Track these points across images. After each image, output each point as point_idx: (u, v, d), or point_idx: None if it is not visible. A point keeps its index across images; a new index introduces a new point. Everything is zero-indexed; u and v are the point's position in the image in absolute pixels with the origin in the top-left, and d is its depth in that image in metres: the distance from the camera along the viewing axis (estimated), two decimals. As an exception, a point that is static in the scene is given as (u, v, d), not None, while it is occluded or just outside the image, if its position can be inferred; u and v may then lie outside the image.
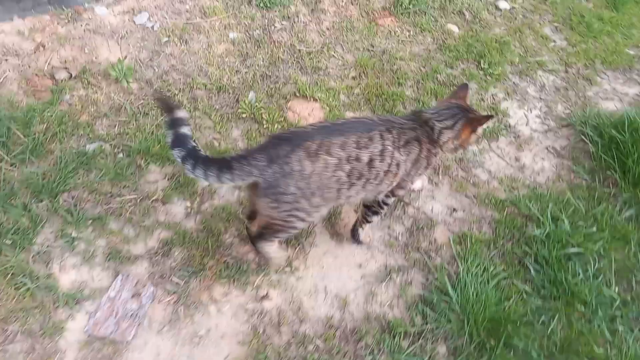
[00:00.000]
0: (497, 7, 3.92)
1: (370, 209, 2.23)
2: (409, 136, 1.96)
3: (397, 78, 3.22)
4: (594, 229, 2.41)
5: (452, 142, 2.02)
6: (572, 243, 2.37)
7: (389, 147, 1.90)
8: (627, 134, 2.80)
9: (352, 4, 3.67)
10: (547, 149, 2.98)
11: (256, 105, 2.88)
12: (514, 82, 3.38)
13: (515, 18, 3.86)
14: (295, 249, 2.36)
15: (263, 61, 3.16)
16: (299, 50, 3.26)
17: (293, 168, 1.77)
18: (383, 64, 3.30)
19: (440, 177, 2.77)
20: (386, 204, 2.20)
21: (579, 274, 2.27)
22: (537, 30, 3.81)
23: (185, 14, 3.27)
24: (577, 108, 3.26)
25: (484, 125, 2.07)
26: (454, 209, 2.61)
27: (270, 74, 3.10)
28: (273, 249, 2.15)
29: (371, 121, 1.99)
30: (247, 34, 3.28)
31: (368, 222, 2.30)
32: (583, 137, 2.99)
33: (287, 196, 1.81)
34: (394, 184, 2.03)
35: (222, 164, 1.78)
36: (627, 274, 2.35)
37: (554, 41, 3.78)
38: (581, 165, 2.85)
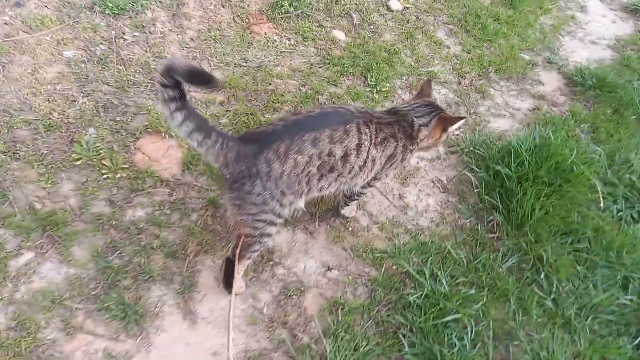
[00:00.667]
0: (388, 8, 3.57)
1: (348, 197, 2.28)
2: (386, 132, 1.91)
3: (273, 101, 2.82)
4: (473, 290, 2.22)
5: (427, 139, 2.02)
6: (450, 307, 2.16)
7: (365, 142, 1.85)
8: (512, 169, 2.61)
9: (223, 7, 3.17)
10: (433, 182, 2.75)
11: (96, 147, 2.39)
12: (403, 99, 3.09)
13: (408, 20, 3.54)
14: (137, 338, 1.97)
15: (108, 86, 2.63)
16: (155, 69, 2.75)
17: (260, 170, 1.70)
18: (257, 84, 2.88)
19: (317, 223, 2.46)
20: (362, 194, 2.27)
21: (455, 345, 2.08)
22: (431, 34, 3.52)
23: (3, 29, 2.63)
24: (467, 128, 3.04)
25: (456, 125, 2.06)
26: (329, 267, 2.33)
27: (116, 102, 2.59)
28: (240, 276, 2.05)
29: (349, 112, 1.87)
30: (88, 51, 2.71)
31: (347, 205, 2.36)
32: (469, 171, 2.77)
33: (253, 196, 1.73)
34: (369, 178, 2.03)
35: (203, 125, 1.68)
36: (505, 337, 2.19)
37: (448, 47, 3.52)
38: (466, 204, 2.65)
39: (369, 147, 1.87)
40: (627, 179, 2.80)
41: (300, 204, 1.91)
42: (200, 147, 1.72)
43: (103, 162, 2.35)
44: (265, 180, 1.72)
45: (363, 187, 2.16)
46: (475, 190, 2.67)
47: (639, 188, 2.76)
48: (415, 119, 1.98)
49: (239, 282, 2.09)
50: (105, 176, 2.32)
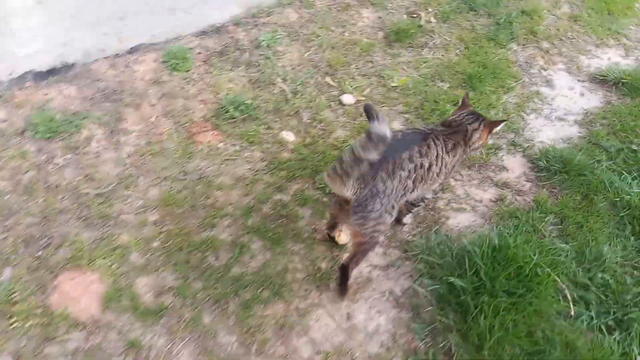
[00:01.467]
0: (341, 103, 3.48)
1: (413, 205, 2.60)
2: (454, 141, 2.31)
3: (212, 216, 2.66)
4: None
5: (477, 142, 2.38)
6: None
7: (440, 152, 2.23)
8: (467, 279, 2.38)
9: (165, 117, 3.09)
10: (385, 294, 2.51)
11: (10, 289, 2.22)
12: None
13: (361, 114, 3.43)
14: None
15: (32, 217, 2.50)
16: (86, 194, 2.63)
17: (379, 189, 2.04)
18: (196, 198, 2.74)
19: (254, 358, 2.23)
20: (426, 198, 2.61)
21: None
22: (385, 126, 3.38)
23: None
24: (424, 228, 2.84)
25: (499, 127, 2.50)
26: (261, 416, 2.06)
27: (39, 234, 2.45)
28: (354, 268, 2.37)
29: (424, 131, 2.27)
30: (14, 181, 2.61)
31: (410, 212, 2.69)
32: (420, 284, 2.54)
33: (373, 213, 2.06)
34: (442, 180, 2.42)
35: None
36: None
37: (404, 138, 3.37)
38: (421, 321, 2.40)
39: (442, 156, 2.25)
40: (599, 278, 2.54)
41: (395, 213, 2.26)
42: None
43: (14, 307, 2.17)
44: (382, 197, 2.06)
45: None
46: (428, 308, 2.43)
47: (614, 289, 2.50)
48: (468, 126, 2.35)
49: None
50: (13, 326, 2.13)
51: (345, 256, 2.48)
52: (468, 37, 4.24)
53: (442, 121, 2.50)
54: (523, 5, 4.65)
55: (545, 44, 4.49)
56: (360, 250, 2.27)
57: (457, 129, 2.37)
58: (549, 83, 4.16)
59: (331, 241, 2.56)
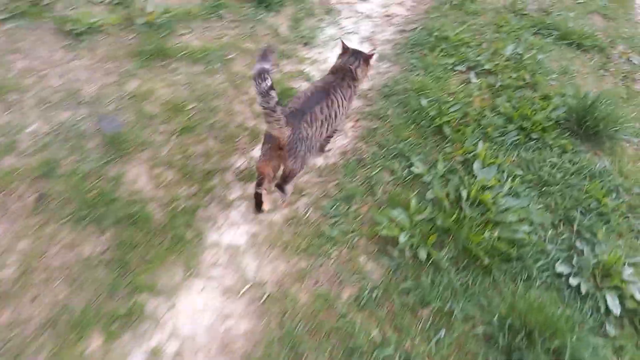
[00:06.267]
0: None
1: (329, 137, 3.15)
2: (345, 84, 2.82)
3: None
4: None
5: (361, 74, 2.90)
6: None
7: (339, 98, 2.75)
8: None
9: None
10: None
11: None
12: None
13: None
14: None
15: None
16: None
17: (302, 134, 2.50)
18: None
19: None
20: (338, 130, 3.19)
21: None
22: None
23: None
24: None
25: (374, 59, 2.94)
26: None
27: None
28: (290, 187, 2.86)
29: (326, 86, 2.76)
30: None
31: (325, 149, 3.26)
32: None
33: (300, 153, 2.53)
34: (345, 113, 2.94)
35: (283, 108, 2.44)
36: None
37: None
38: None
39: (342, 100, 2.77)
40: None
41: (315, 152, 2.81)
42: (279, 121, 2.35)
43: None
44: (306, 140, 2.53)
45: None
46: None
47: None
48: (351, 66, 2.87)
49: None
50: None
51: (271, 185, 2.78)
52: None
53: (331, 69, 2.95)
54: None
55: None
56: (290, 175, 2.70)
57: (345, 73, 2.86)
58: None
59: (257, 202, 2.79)
